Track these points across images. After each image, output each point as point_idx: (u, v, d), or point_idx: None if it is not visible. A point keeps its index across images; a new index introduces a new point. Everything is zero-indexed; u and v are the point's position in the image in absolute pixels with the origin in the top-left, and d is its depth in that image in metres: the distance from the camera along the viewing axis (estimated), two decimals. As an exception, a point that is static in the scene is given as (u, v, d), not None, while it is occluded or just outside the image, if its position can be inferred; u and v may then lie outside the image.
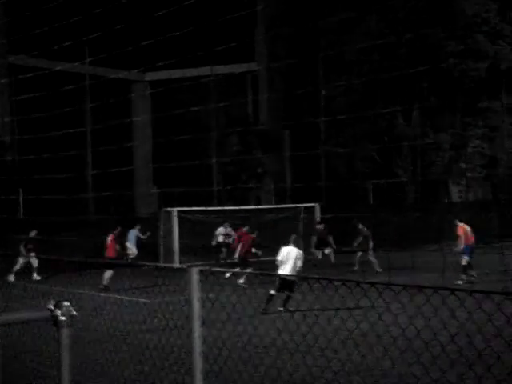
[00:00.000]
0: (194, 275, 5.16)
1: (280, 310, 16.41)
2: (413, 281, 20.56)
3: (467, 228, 23.18)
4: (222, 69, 49.12)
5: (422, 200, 43.86)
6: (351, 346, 7.91)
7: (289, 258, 17.20)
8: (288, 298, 16.66)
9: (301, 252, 17.61)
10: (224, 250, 31.19)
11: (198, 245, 30.79)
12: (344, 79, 43.28)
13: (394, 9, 42.42)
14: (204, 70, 48.57)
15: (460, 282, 21.66)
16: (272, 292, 16.98)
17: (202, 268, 5.34)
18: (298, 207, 37.17)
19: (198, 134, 42.96)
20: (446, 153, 43.47)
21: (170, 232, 31.96)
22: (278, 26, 48.90)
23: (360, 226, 28.01)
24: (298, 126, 46.75)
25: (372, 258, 26.98)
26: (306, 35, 47.04)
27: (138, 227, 30.16)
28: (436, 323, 4.93)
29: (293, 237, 18.15)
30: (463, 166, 43.87)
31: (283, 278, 16.52)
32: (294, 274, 16.99)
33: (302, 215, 36.43)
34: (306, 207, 36.74)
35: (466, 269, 22.29)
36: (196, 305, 5.17)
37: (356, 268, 27.28)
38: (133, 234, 29.64)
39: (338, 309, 10.14)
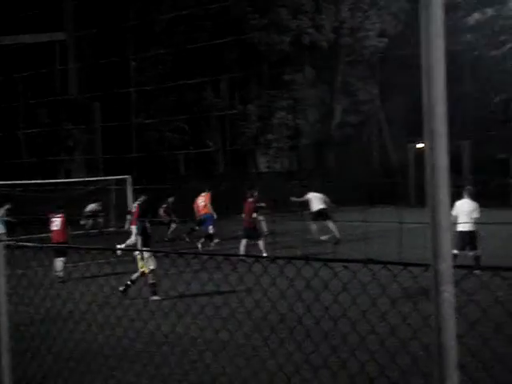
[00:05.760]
0: (1, 250, 5.06)
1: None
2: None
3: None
4: (27, 38, 47.28)
5: (232, 170, 44.87)
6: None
7: None
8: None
9: None
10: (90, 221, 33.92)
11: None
12: (153, 50, 43.17)
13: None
14: (8, 39, 46.49)
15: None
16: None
17: (8, 243, 5.28)
18: (109, 179, 37.00)
19: (3, 105, 41.17)
20: (253, 124, 44.69)
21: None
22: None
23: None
24: (107, 97, 46.12)
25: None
26: (114, 5, 46.33)
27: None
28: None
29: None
30: (270, 136, 45.29)
31: None
32: None
33: (113, 187, 36.33)
34: (117, 179, 36.62)
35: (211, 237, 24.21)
36: (1, 280, 5.13)
37: None
38: None
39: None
